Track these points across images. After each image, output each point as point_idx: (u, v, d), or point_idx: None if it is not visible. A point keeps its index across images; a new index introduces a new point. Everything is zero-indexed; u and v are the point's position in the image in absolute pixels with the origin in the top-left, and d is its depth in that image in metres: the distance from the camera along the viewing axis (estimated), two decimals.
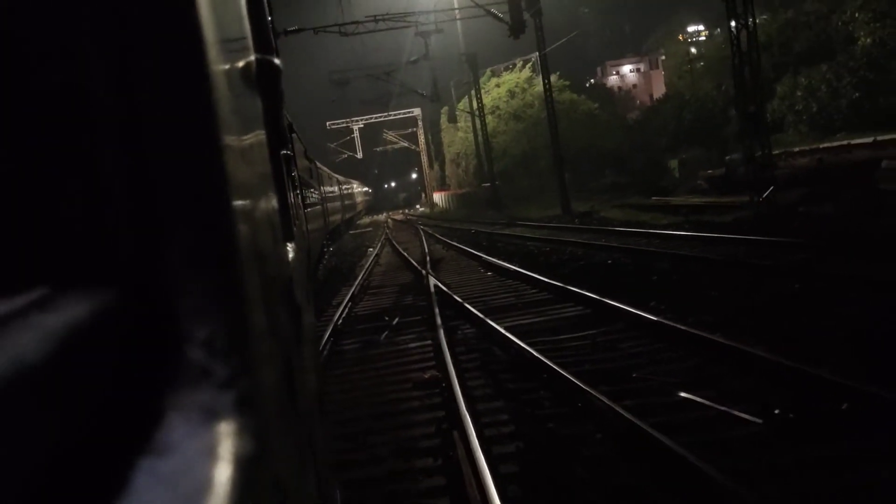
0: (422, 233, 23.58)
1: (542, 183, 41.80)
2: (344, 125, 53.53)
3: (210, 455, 0.35)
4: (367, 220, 52.82)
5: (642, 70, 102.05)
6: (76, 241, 0.41)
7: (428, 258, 14.12)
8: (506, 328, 6.55)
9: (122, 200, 0.42)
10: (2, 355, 0.28)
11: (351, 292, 10.76)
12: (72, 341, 0.33)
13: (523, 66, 49.11)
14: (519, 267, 10.69)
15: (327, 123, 52.12)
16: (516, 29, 22.04)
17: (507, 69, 50.09)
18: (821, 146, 20.61)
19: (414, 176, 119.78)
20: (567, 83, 51.92)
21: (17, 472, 0.27)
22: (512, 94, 48.05)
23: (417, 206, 67.52)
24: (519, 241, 16.35)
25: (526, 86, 48.03)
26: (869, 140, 17.04)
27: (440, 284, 9.90)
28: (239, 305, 0.48)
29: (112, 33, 0.41)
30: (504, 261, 11.91)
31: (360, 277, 12.79)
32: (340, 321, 8.49)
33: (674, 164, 30.30)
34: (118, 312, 0.40)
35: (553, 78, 53.06)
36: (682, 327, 5.51)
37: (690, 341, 5.26)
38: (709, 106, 34.43)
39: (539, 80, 51.30)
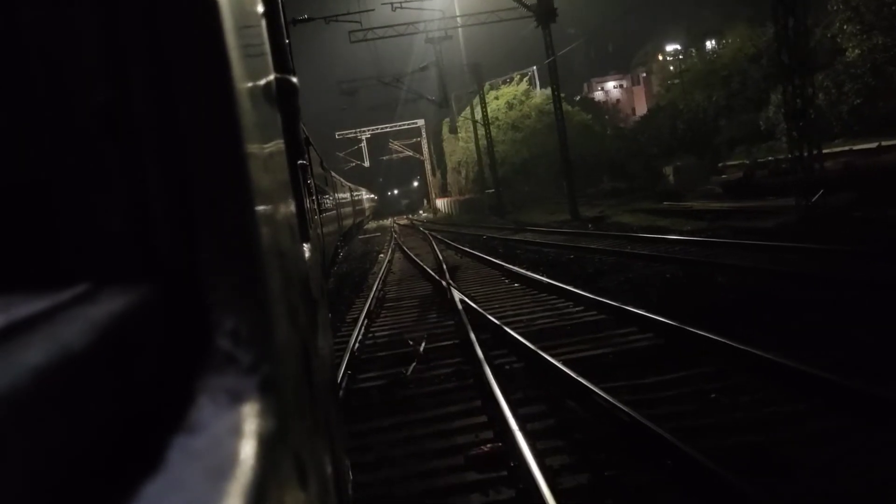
0: (430, 238, 21.85)
1: (541, 189, 40.21)
2: (352, 135, 51.35)
3: (236, 433, 0.37)
4: (373, 224, 50.64)
5: (625, 87, 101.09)
6: (118, 241, 0.43)
7: (444, 266, 12.25)
8: (566, 363, 4.58)
9: (159, 204, 0.44)
10: (50, 345, 0.29)
11: (366, 307, 8.72)
12: (113, 331, 0.35)
13: (520, 80, 47.26)
14: (549, 278, 8.63)
15: (336, 133, 49.94)
16: (545, 16, 19.69)
17: (504, 83, 48.43)
18: (822, 151, 18.68)
19: (415, 184, 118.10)
20: (562, 94, 49.93)
21: (66, 447, 0.29)
22: (510, 105, 46.63)
23: (420, 212, 65.42)
24: (535, 247, 14.70)
25: (524, 98, 46.37)
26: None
27: (466, 299, 7.87)
28: (262, 299, 0.49)
29: (152, 57, 0.44)
30: (529, 270, 9.98)
31: (374, 288, 10.73)
32: (357, 346, 6.40)
33: (668, 170, 29.03)
34: (155, 305, 0.42)
35: (549, 91, 51.08)
36: (832, 377, 3.42)
37: (853, 400, 3.19)
38: (699, 116, 32.49)
39: (535, 92, 49.66)
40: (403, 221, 51.17)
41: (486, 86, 45.69)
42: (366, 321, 8.13)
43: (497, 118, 48.03)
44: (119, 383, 0.36)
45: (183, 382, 0.40)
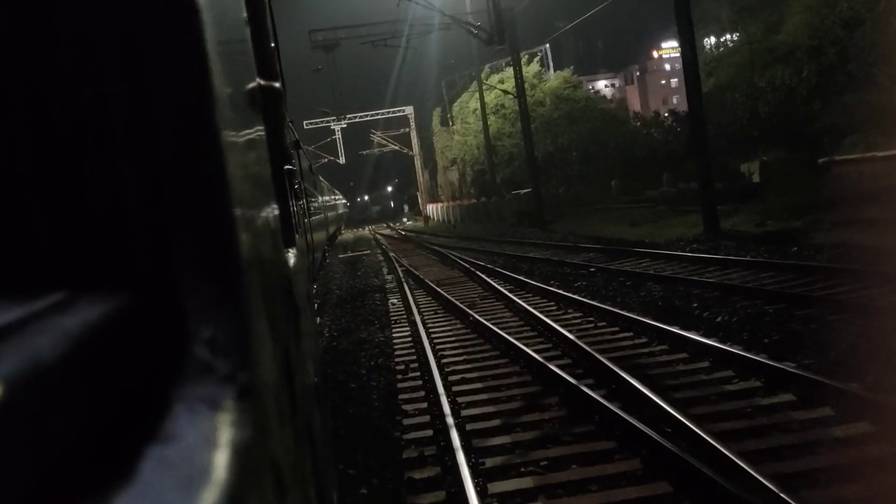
0: (459, 262, 15.68)
1: (578, 192, 31.89)
2: (325, 123, 42.26)
3: (210, 442, 0.38)
4: (350, 235, 41.49)
5: (617, 86, 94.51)
6: (93, 249, 0.45)
7: (621, 373, 5.34)
8: None
9: (135, 213, 0.46)
10: (21, 355, 0.31)
11: None
12: (88, 341, 0.36)
13: (530, 61, 38.74)
14: None
15: (304, 123, 40.92)
16: None
17: (508, 65, 40.10)
18: None
19: (389, 189, 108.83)
20: (582, 78, 41.39)
21: (39, 458, 0.31)
22: None
23: (404, 220, 56.26)
24: (770, 306, 7.47)
25: (535, 81, 38.21)
26: None
27: None
28: (240, 307, 0.51)
29: (129, 63, 0.46)
30: None
31: None
32: None
33: (751, 167, 23.47)
34: (130, 314, 0.43)
35: (566, 73, 43.32)
36: None
37: None
38: (781, 98, 26.33)
39: (549, 75, 41.49)
40: (386, 231, 42.14)
41: (486, 68, 37.70)
42: None
43: (503, 106, 39.96)
44: (93, 393, 0.37)
45: (159, 392, 0.41)
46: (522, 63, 40.26)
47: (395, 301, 11.67)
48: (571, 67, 40.05)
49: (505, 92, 31.28)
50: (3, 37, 0.42)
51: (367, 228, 51.84)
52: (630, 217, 21.42)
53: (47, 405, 0.31)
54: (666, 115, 33.24)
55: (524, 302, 9.23)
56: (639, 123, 36.75)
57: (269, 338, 0.61)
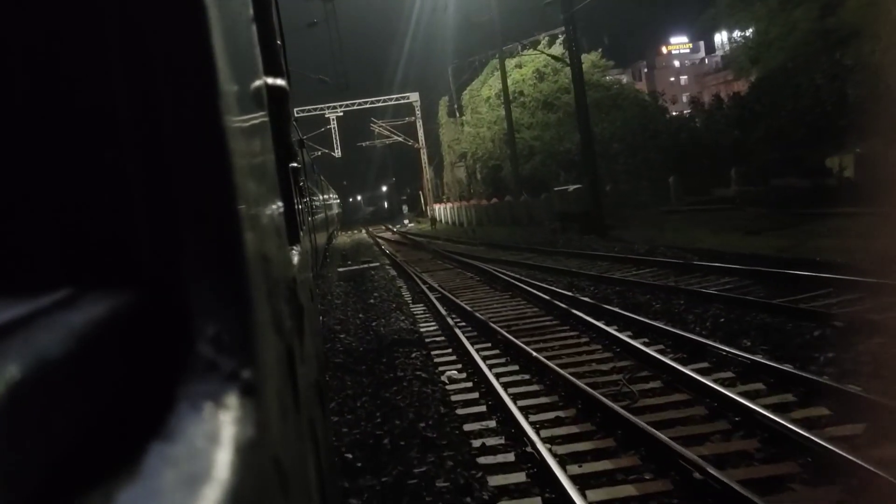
0: (517, 285, 11.22)
1: (626, 190, 27.36)
2: (319, 111, 37.42)
3: (214, 440, 0.39)
4: (345, 238, 36.67)
5: (625, 82, 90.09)
6: (98, 246, 0.46)
7: None
8: None
9: (140, 210, 0.47)
10: (27, 351, 0.32)
11: None
12: (92, 338, 0.38)
13: (551, 43, 34.30)
14: None
15: (295, 110, 36.02)
16: None
17: (525, 48, 35.69)
18: None
19: (384, 188, 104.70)
20: (612, 63, 37.82)
21: (43, 454, 0.32)
22: (540, 75, 33.78)
23: (405, 222, 51.38)
24: None
25: (559, 66, 33.51)
26: None
27: None
28: (245, 305, 0.52)
29: (136, 62, 0.47)
30: None
31: None
32: None
33: (842, 162, 19.35)
34: (135, 311, 0.44)
35: (594, 56, 39.46)
36: None
37: None
38: (872, 78, 21.32)
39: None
40: (387, 234, 37.51)
41: (496, 57, 33.93)
42: None
43: (522, 93, 35.36)
44: (97, 389, 0.38)
45: (163, 389, 0.42)
46: (542, 45, 35.63)
47: (453, 373, 6.65)
48: (600, 50, 35.56)
49: (555, 58, 26.72)
50: (10, 34, 0.42)
51: (363, 231, 47.27)
52: (725, 222, 17.19)
53: (52, 401, 0.32)
54: (727, 100, 28.72)
55: (762, 409, 4.51)
56: (691, 108, 32.36)
57: (273, 335, 0.62)
